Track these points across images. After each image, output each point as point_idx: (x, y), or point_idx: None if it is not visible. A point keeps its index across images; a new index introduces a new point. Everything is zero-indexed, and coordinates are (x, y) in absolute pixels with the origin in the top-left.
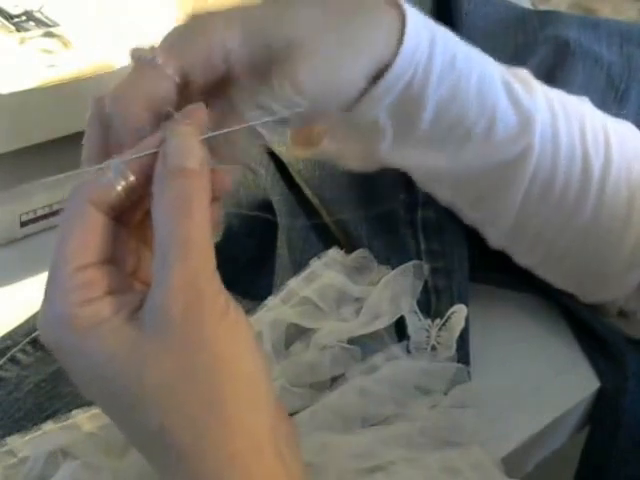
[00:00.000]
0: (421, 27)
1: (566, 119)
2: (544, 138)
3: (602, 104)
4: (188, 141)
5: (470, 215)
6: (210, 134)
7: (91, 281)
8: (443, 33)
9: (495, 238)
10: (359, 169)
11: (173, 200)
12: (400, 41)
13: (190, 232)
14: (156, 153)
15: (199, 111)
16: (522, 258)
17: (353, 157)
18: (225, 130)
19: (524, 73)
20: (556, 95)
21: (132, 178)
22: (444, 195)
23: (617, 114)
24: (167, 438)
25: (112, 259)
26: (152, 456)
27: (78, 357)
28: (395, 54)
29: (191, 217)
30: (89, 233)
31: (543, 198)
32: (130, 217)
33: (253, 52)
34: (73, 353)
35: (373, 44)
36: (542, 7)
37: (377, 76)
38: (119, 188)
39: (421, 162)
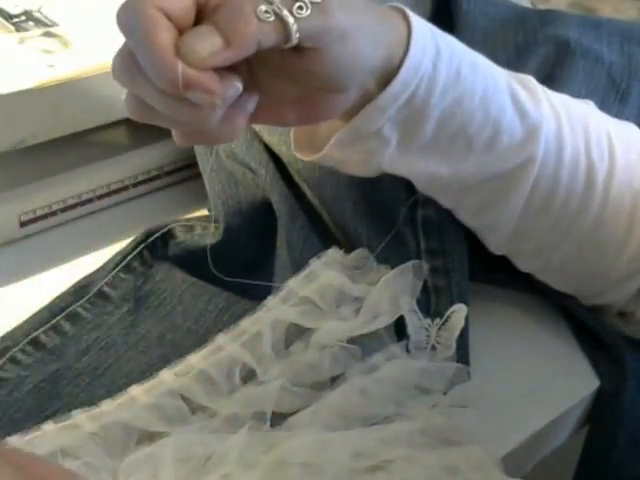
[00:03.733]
0: (427, 38)
1: (571, 129)
2: (548, 149)
3: (603, 103)
4: None
5: (471, 222)
6: None
7: None
8: (449, 42)
9: (495, 245)
10: (360, 175)
11: None
12: (406, 52)
13: None
14: None
15: None
16: (522, 264)
17: (355, 164)
18: None
19: (530, 80)
20: (560, 102)
21: None
22: (446, 202)
23: (618, 113)
24: None
25: None
26: None
27: None
28: (400, 64)
29: None
30: None
31: (544, 208)
32: None
33: None
34: None
35: (386, 47)
36: (541, 6)
37: (382, 85)
38: None
39: (423, 170)
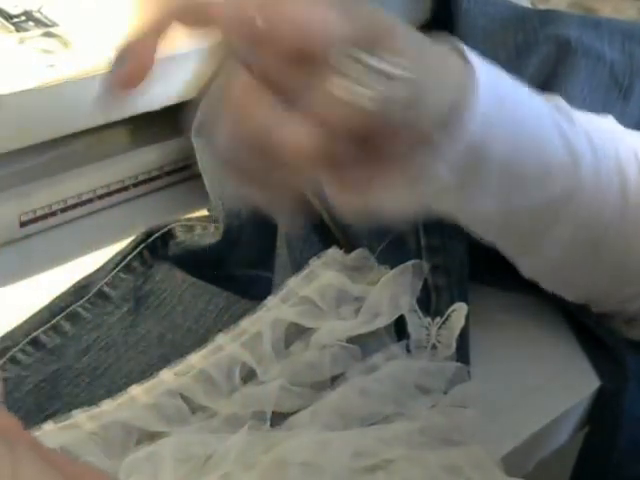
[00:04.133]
0: (489, 85)
1: (602, 147)
2: (587, 172)
3: (606, 101)
4: None
5: (511, 252)
6: None
7: None
8: (508, 87)
9: (528, 271)
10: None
11: None
12: (468, 98)
13: None
14: None
15: None
16: (548, 285)
17: (403, 204)
18: None
19: (561, 101)
20: (587, 119)
21: None
22: (488, 237)
23: (622, 111)
24: None
25: None
26: None
27: None
28: (461, 111)
29: None
30: None
31: (584, 235)
32: None
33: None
34: None
35: (450, 92)
36: (541, 6)
37: (441, 130)
38: None
39: (471, 207)
